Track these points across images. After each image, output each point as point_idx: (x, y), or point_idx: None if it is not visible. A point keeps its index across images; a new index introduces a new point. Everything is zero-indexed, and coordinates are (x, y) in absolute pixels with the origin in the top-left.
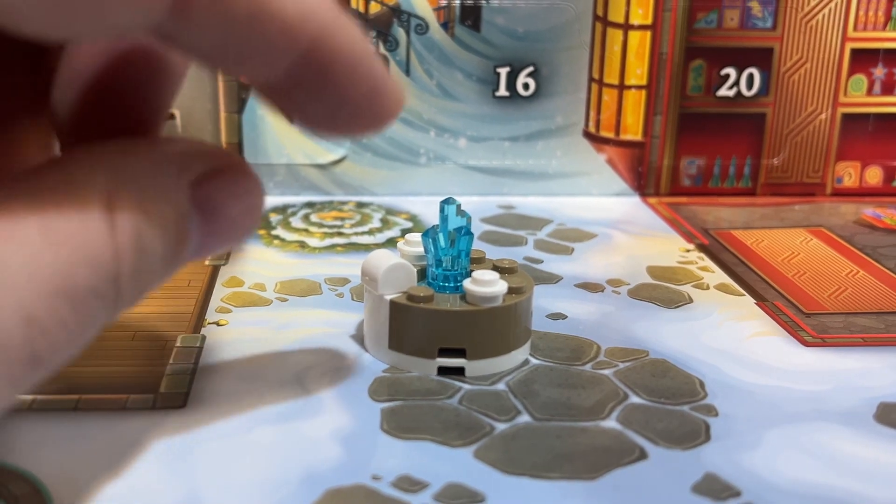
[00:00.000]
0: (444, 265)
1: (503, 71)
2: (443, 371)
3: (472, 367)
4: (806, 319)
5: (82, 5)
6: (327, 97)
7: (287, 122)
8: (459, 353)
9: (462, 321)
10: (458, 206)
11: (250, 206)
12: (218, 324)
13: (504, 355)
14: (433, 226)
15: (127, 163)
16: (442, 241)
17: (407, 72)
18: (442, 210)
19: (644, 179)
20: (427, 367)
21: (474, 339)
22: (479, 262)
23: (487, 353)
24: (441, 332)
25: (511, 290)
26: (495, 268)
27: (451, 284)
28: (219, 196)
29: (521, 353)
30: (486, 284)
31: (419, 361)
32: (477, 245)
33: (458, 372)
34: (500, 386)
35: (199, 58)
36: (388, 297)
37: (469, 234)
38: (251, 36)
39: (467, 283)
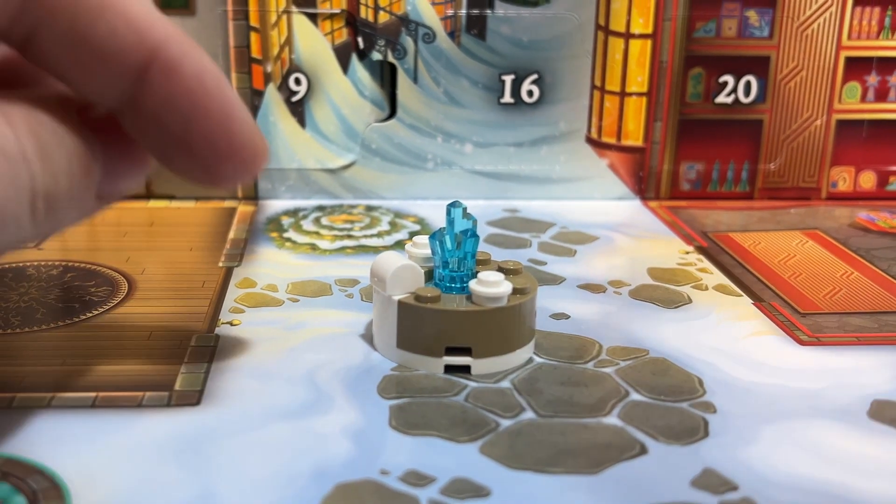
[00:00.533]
0: (450, 267)
1: (508, 78)
2: (449, 369)
3: (478, 365)
4: (802, 319)
5: None
6: (177, 110)
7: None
8: (466, 351)
9: (468, 321)
10: (464, 209)
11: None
12: (231, 324)
13: (509, 354)
14: (440, 228)
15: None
16: (448, 244)
17: (415, 79)
18: (448, 213)
19: (645, 184)
20: (434, 366)
21: (480, 338)
22: (485, 263)
23: (493, 351)
24: (448, 332)
25: (515, 291)
26: (500, 269)
27: (458, 285)
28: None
29: (525, 352)
30: (492, 285)
31: (427, 360)
32: (483, 247)
33: (465, 370)
34: (505, 384)
35: (52, 61)
36: (396, 298)
37: (475, 236)
38: (98, 26)
39: (473, 284)
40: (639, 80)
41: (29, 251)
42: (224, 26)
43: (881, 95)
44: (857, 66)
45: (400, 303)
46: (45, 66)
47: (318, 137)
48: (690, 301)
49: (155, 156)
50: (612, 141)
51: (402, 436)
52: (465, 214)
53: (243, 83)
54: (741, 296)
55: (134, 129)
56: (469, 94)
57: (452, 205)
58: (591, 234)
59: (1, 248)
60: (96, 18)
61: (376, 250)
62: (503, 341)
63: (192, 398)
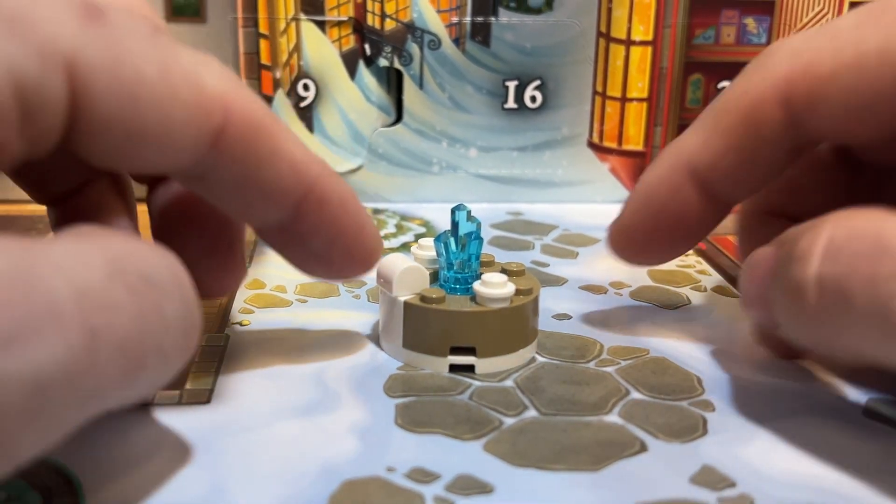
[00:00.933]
0: (455, 268)
1: (511, 84)
2: (454, 368)
3: (482, 364)
4: None
5: (139, 150)
6: (323, 232)
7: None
8: (470, 351)
9: (472, 321)
10: (469, 212)
11: None
12: (241, 324)
13: (512, 354)
14: (445, 231)
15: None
16: (453, 246)
17: (420, 85)
18: (453, 216)
19: None
20: (439, 365)
21: (484, 338)
22: (489, 265)
23: (496, 351)
24: (452, 332)
25: (518, 292)
26: (504, 271)
27: (462, 287)
28: None
29: (528, 352)
30: (495, 286)
31: (432, 359)
32: (486, 249)
33: (469, 369)
34: (509, 382)
35: (223, 196)
36: (402, 299)
37: (478, 238)
38: (268, 171)
39: (477, 285)
40: (639, 85)
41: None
42: (234, 33)
43: None
44: None
45: (406, 303)
46: (209, 197)
47: (326, 142)
48: (689, 302)
49: (294, 263)
50: (614, 145)
51: (408, 434)
52: (470, 217)
53: (253, 89)
54: (739, 297)
55: (277, 245)
56: (473, 100)
57: (457, 208)
58: (593, 236)
59: (153, 384)
60: (267, 164)
61: (383, 252)
62: (506, 341)
63: (203, 396)
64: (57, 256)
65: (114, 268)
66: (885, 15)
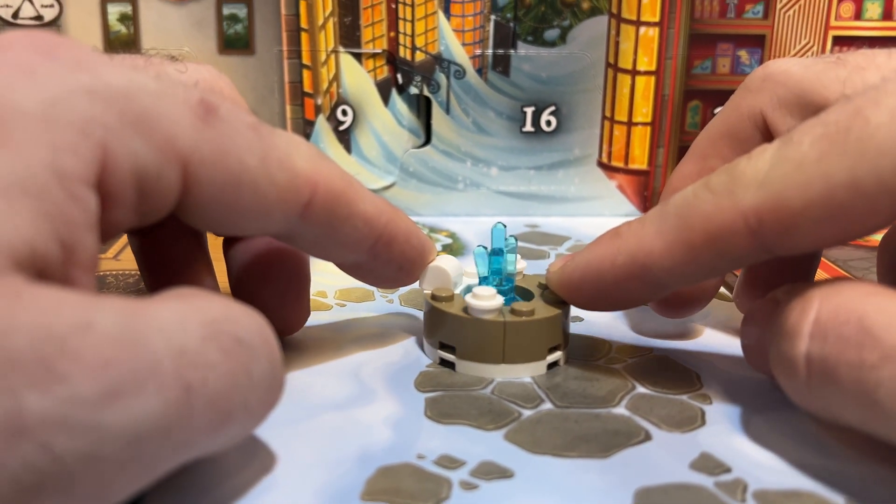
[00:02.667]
0: (491, 281)
1: (529, 110)
2: (444, 362)
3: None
4: None
5: (238, 223)
6: (393, 263)
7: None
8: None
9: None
10: (506, 228)
11: None
12: None
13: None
14: (483, 246)
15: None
16: (486, 261)
17: (447, 111)
18: (492, 233)
19: (649, 202)
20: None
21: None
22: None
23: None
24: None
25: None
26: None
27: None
28: None
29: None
30: (485, 299)
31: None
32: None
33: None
34: (527, 378)
35: (308, 248)
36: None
37: (500, 254)
38: (346, 228)
39: (468, 298)
40: (644, 111)
41: (108, 261)
42: (280, 64)
43: None
44: None
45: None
46: (296, 247)
47: (362, 161)
48: None
49: (370, 284)
50: (621, 165)
51: (436, 424)
52: (501, 234)
53: (297, 114)
54: (733, 301)
55: (356, 275)
56: (495, 124)
57: (495, 226)
58: None
59: (239, 435)
60: (346, 223)
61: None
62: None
63: None
64: (160, 318)
65: (210, 330)
66: (847, 143)
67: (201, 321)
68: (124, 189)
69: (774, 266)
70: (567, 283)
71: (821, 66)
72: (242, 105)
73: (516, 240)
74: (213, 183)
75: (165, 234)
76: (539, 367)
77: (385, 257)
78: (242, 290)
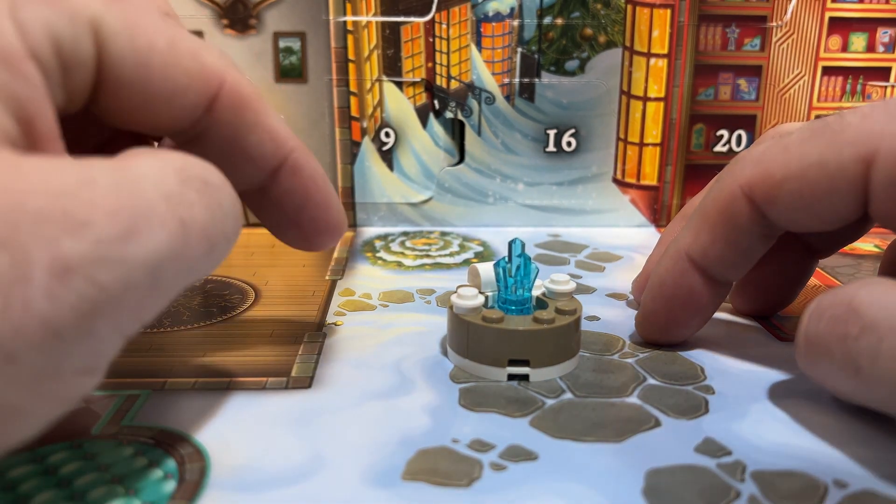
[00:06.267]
0: (509, 290)
1: (552, 132)
2: (511, 377)
3: (536, 374)
4: (781, 321)
5: (150, 108)
6: (295, 197)
7: (269, 230)
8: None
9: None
10: (523, 244)
11: None
12: (335, 324)
13: (564, 363)
14: (503, 258)
15: None
16: (502, 273)
17: (478, 133)
18: (509, 248)
19: (658, 215)
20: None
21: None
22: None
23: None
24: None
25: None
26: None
27: (515, 308)
28: None
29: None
30: (468, 299)
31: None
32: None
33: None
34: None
35: (215, 157)
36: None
37: (528, 265)
38: (252, 136)
39: (453, 298)
40: (654, 133)
41: None
42: (329, 91)
43: None
44: None
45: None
46: (202, 156)
47: (403, 178)
48: None
49: (268, 227)
50: (633, 181)
51: (469, 412)
52: (514, 248)
53: (345, 136)
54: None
55: (256, 207)
56: (521, 145)
57: (513, 241)
58: (617, 254)
59: (221, 259)
60: (251, 131)
61: (449, 267)
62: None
63: (305, 382)
64: (143, 170)
65: (183, 175)
66: (824, 135)
67: (174, 169)
68: (46, 57)
69: (766, 272)
70: (645, 312)
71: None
72: (172, 14)
73: (538, 269)
74: (123, 60)
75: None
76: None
77: (287, 185)
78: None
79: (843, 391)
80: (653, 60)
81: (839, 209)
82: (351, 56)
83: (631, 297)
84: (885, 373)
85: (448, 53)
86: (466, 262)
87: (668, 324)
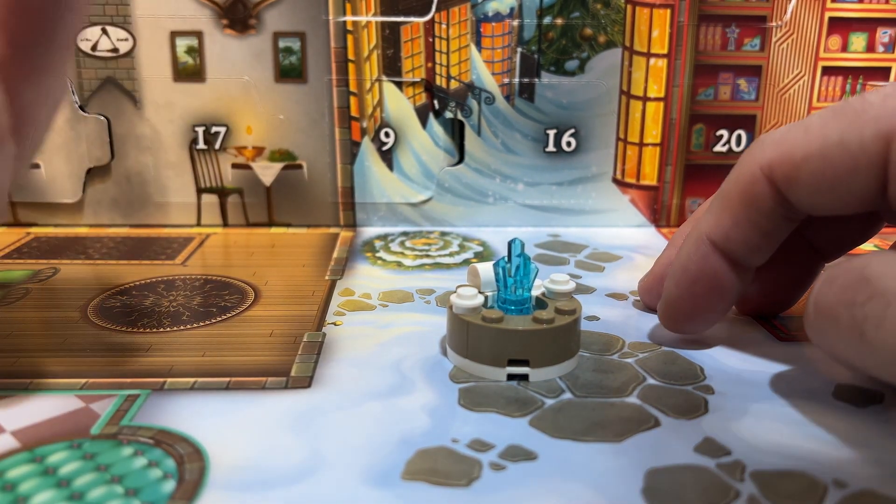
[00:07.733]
0: (508, 290)
1: (551, 132)
2: (511, 377)
3: (535, 374)
4: (781, 321)
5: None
6: None
7: None
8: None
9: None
10: (522, 245)
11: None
12: (335, 324)
13: (563, 363)
14: (502, 258)
15: None
16: (501, 274)
17: (478, 133)
18: (509, 248)
19: (658, 215)
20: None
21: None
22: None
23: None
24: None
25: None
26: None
27: (515, 308)
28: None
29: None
30: (468, 299)
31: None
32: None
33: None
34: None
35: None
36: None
37: (528, 266)
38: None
39: (453, 297)
40: (653, 133)
41: (176, 267)
42: (329, 92)
43: None
44: None
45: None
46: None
47: (402, 178)
48: None
49: None
50: (633, 181)
51: (469, 412)
52: (514, 248)
53: (344, 136)
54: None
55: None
56: (521, 145)
57: (512, 241)
58: (616, 254)
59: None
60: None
61: (449, 267)
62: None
63: (304, 382)
64: None
65: None
66: (846, 115)
67: None
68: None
69: (771, 273)
70: (668, 299)
71: None
72: None
73: (538, 269)
74: None
75: None
76: (566, 367)
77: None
78: None
79: (846, 357)
80: (652, 60)
81: (860, 190)
82: (351, 56)
83: (632, 297)
84: (889, 337)
85: (448, 53)
86: (466, 262)
87: (693, 309)
